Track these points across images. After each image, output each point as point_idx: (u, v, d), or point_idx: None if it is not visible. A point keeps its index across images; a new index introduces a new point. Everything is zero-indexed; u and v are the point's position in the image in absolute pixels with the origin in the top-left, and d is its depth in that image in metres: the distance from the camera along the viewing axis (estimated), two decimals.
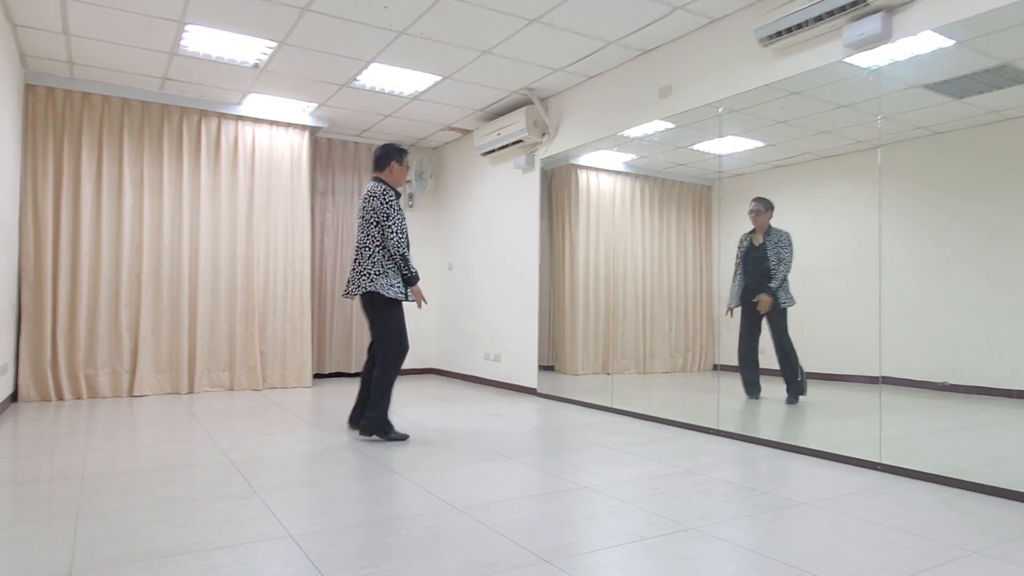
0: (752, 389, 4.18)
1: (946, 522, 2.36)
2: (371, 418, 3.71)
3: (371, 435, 3.74)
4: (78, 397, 5.27)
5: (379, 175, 3.91)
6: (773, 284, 3.95)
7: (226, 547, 2.07)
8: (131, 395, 5.46)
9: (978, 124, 3.22)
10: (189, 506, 2.50)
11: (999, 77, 3.06)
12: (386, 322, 3.74)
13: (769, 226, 4.02)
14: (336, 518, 2.37)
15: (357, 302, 7.11)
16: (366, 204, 3.79)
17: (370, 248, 3.75)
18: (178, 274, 5.70)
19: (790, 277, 3.93)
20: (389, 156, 3.90)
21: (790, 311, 3.96)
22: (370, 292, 3.69)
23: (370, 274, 3.70)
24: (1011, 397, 3.08)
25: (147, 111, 5.64)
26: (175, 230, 5.72)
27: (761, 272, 4.05)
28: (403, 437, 3.75)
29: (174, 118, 5.75)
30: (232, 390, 5.87)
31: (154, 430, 4.03)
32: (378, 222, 3.74)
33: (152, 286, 5.60)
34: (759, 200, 4.08)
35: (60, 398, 5.20)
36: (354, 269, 3.80)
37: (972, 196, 3.26)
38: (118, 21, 4.21)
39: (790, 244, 3.94)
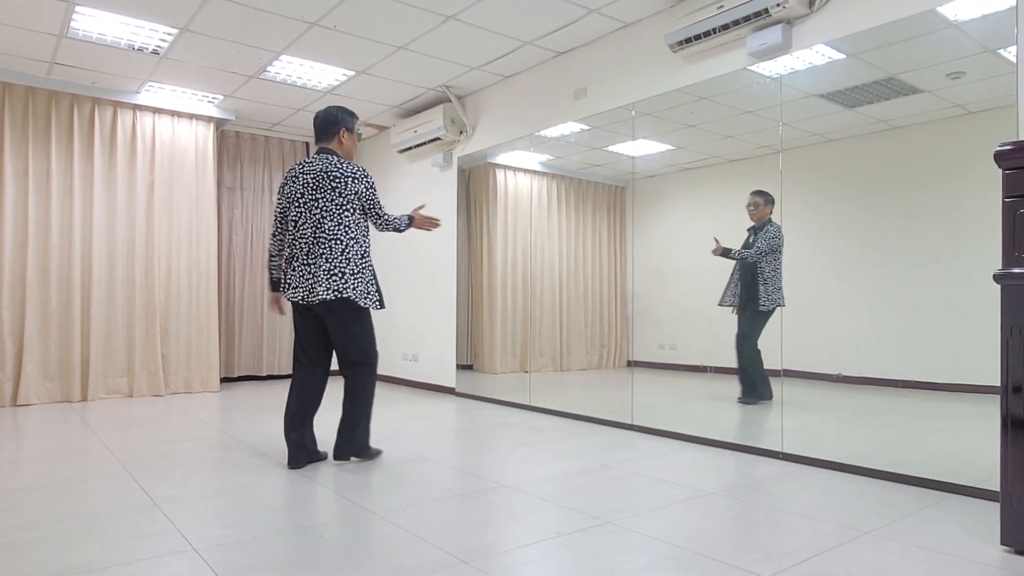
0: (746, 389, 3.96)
1: (842, 506, 2.51)
2: (354, 438, 3.19)
3: (349, 457, 3.22)
4: None
5: (326, 146, 3.19)
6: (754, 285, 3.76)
7: (124, 564, 1.94)
8: (15, 404, 5.04)
9: (867, 132, 3.45)
10: (83, 523, 2.33)
11: (886, 89, 3.29)
12: (364, 331, 3.18)
13: (769, 220, 3.73)
14: (245, 528, 2.27)
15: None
16: (336, 184, 3.06)
17: (342, 241, 3.05)
18: (69, 273, 5.31)
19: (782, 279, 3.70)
20: (337, 121, 3.19)
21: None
22: (343, 299, 3.04)
23: (343, 274, 3.03)
24: (897, 387, 3.32)
25: (32, 97, 5.22)
26: (65, 226, 5.32)
27: (744, 269, 3.88)
28: (378, 452, 3.35)
29: (63, 105, 5.35)
30: (131, 396, 5.52)
31: (42, 442, 3.73)
32: (362, 208, 3.13)
33: (39, 286, 5.19)
34: (758, 193, 3.80)
35: None
36: (313, 265, 3.06)
37: (862, 201, 3.49)
38: None
39: (774, 238, 3.71)
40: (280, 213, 3.22)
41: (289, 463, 3.14)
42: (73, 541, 2.14)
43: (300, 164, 3.18)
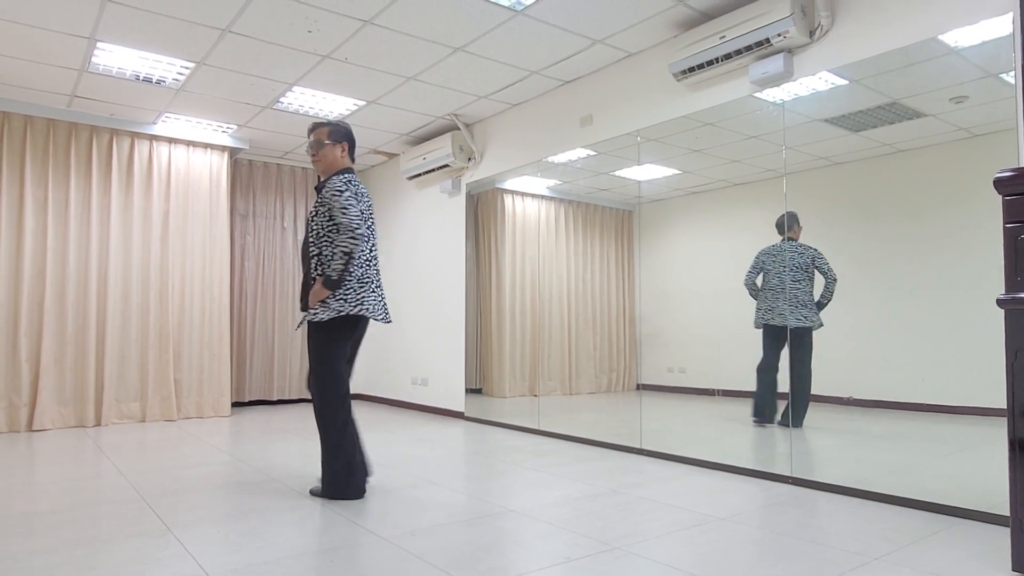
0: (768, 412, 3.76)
1: (849, 531, 2.50)
2: (324, 473, 3.08)
3: (318, 494, 3.11)
4: None
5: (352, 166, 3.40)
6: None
7: None
8: (30, 429, 5.10)
9: (872, 156, 3.48)
10: (96, 548, 2.36)
11: (890, 113, 3.32)
12: (315, 347, 3.13)
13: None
14: (257, 553, 2.29)
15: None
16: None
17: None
18: (85, 300, 5.40)
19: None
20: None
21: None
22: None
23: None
24: (907, 410, 3.30)
25: (53, 129, 5.36)
26: (82, 254, 5.43)
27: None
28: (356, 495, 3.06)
29: (83, 137, 5.49)
30: (144, 421, 5.57)
31: (56, 466, 3.78)
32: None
33: (56, 313, 5.28)
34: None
35: None
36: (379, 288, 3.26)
37: (867, 224, 3.51)
38: (22, 35, 4.00)
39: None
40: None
41: None
42: (85, 566, 2.17)
43: (359, 183, 3.19)
